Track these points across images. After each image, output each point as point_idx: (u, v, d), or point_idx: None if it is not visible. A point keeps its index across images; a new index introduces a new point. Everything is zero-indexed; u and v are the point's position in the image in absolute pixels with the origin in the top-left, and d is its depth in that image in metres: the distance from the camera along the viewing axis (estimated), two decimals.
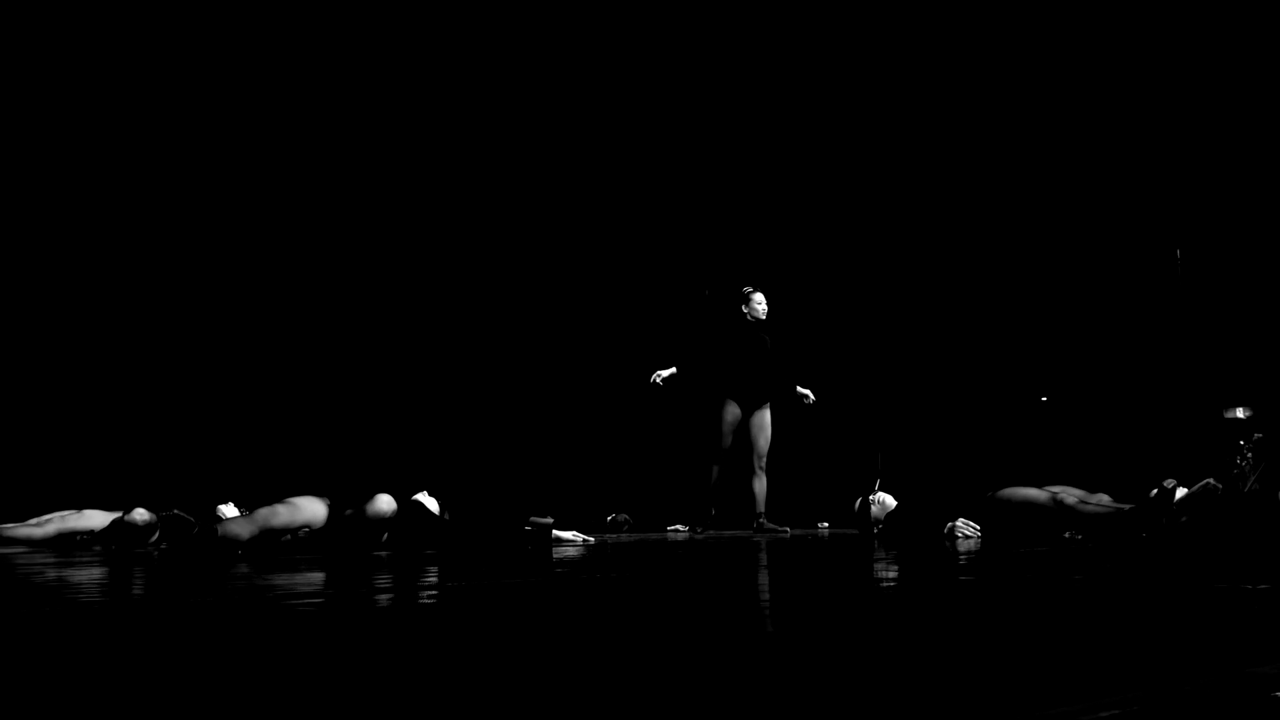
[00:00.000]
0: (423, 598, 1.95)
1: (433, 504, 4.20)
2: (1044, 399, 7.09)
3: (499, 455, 7.03)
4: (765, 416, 6.04)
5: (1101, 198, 6.87)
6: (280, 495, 3.97)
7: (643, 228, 7.51)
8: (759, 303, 6.20)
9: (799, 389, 6.17)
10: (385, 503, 3.95)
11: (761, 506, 5.95)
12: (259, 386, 6.81)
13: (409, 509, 4.06)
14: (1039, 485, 4.04)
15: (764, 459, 6.01)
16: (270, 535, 3.78)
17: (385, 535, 3.99)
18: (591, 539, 4.56)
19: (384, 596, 1.99)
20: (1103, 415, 6.65)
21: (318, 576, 2.56)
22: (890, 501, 4.54)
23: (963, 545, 3.61)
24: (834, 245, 7.52)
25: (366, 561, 3.16)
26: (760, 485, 5.97)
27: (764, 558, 3.13)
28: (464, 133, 7.14)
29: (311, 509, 3.89)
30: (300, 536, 3.84)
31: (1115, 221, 6.83)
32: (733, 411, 6.00)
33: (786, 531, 5.73)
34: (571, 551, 3.73)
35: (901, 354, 7.33)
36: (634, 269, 7.53)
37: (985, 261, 7.18)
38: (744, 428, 6.02)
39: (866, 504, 4.59)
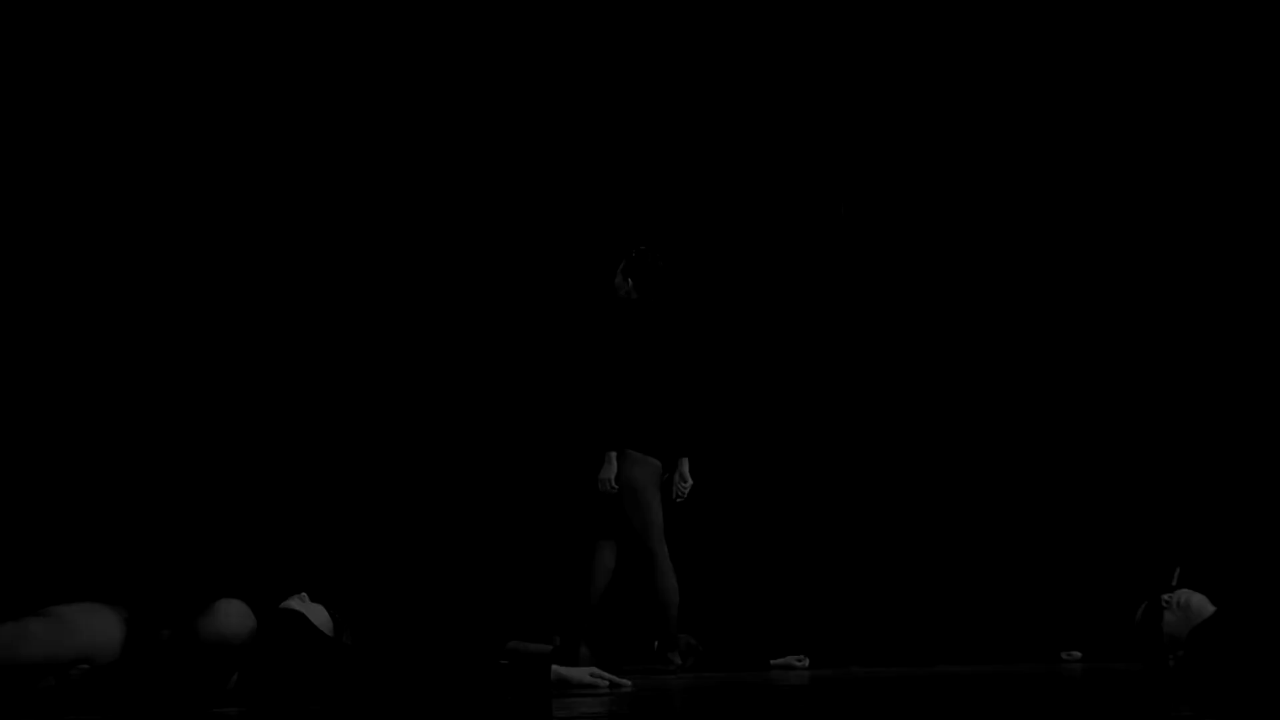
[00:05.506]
0: None
1: (321, 616, 4.31)
2: None
3: (444, 531, 7.20)
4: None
5: None
6: (37, 602, 4.02)
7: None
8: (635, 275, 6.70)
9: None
10: (234, 616, 4.00)
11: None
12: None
13: (277, 626, 4.12)
14: None
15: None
16: (19, 676, 3.83)
17: (234, 676, 4.05)
18: (626, 682, 4.62)
19: None
20: None
21: None
22: (1203, 607, 4.73)
23: None
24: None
25: None
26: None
27: None
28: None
29: (95, 628, 3.95)
30: (74, 677, 3.89)
31: None
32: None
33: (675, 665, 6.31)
34: (591, 705, 3.80)
35: (1214, 351, 7.70)
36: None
37: None
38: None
39: (1157, 612, 4.79)
